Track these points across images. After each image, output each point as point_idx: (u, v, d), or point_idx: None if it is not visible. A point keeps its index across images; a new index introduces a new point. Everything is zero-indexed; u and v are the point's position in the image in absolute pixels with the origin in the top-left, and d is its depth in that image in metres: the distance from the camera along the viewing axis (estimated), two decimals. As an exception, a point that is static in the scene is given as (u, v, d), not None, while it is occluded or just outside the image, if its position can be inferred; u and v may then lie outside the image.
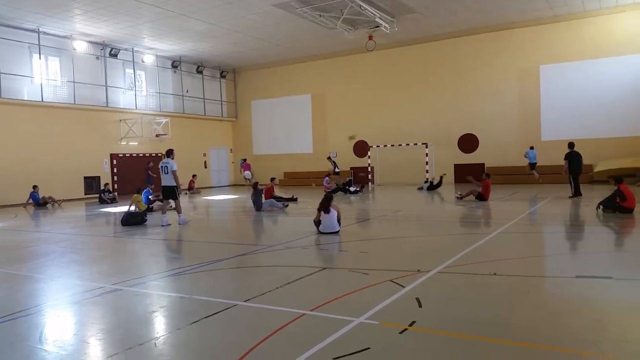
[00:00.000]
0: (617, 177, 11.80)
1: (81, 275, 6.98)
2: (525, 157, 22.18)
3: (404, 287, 5.43)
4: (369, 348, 3.74)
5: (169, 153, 12.20)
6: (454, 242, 8.92)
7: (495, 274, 6.01)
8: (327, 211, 9.63)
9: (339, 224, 9.81)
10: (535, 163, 21.66)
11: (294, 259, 7.70)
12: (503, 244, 8.41)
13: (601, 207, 11.50)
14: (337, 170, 26.17)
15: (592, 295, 5.16)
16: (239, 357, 3.64)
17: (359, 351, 3.68)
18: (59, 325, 4.78)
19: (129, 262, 8.12)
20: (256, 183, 15.51)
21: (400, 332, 4.07)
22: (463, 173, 24.25)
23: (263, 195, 15.01)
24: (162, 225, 11.83)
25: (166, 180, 11.96)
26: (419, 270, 6.16)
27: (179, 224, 11.90)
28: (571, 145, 16.13)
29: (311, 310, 4.72)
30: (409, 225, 11.30)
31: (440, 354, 3.71)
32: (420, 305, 4.77)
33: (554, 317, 4.42)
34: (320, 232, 9.65)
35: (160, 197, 16.21)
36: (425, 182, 21.96)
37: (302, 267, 6.91)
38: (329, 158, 26.84)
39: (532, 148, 21.96)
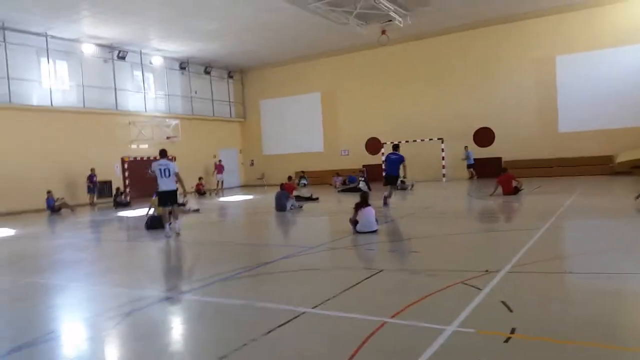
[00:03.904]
0: None
1: (121, 283, 6.60)
2: (464, 159, 23.30)
3: (480, 289, 5.05)
4: (480, 360, 3.37)
5: (164, 153, 10.72)
6: (502, 238, 8.55)
7: (570, 272, 5.63)
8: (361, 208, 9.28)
9: (377, 223, 9.45)
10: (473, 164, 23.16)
11: (342, 260, 7.33)
12: (557, 240, 8.04)
13: None
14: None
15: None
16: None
17: (471, 364, 3.32)
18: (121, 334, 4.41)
19: (168, 268, 7.75)
20: (282, 184, 15.17)
21: (505, 341, 3.70)
22: (480, 167, 23.88)
23: (289, 196, 14.59)
24: (167, 237, 10.24)
25: (167, 184, 10.37)
26: (487, 271, 5.77)
27: (170, 232, 10.34)
28: None
29: (391, 318, 4.35)
30: (444, 222, 10.90)
31: (561, 364, 3.33)
32: (510, 310, 4.39)
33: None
34: (357, 232, 9.27)
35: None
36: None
37: (356, 270, 6.53)
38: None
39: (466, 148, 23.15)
